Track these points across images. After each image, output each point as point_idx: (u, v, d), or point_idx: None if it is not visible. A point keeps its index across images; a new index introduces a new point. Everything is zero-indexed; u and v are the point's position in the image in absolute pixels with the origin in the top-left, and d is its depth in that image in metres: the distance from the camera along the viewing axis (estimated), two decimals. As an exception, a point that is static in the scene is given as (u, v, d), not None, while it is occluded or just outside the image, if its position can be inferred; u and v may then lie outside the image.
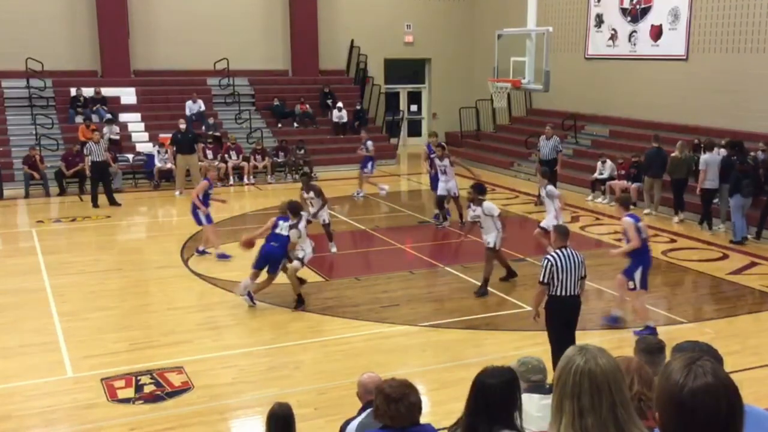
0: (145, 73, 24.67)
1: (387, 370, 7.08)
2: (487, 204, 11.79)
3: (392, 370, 7.53)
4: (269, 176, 21.85)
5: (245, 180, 21.49)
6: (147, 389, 8.36)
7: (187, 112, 23.16)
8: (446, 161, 15.93)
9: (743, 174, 14.77)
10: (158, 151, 21.30)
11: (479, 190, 11.88)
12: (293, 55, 26.68)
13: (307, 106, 25.05)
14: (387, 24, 27.54)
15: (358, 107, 25.49)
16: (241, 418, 8.09)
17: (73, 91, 22.99)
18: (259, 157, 21.91)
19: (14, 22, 23.07)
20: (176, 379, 8.59)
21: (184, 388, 8.39)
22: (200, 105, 23.51)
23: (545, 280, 8.16)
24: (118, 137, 21.86)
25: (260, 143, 22.39)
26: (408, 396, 4.40)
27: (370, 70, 27.20)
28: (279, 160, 22.30)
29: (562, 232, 8.58)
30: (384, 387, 4.48)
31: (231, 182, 21.35)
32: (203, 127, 22.65)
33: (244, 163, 21.69)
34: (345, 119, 25.00)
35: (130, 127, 22.92)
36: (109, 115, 22.44)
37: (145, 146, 22.05)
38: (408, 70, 29.13)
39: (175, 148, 20.39)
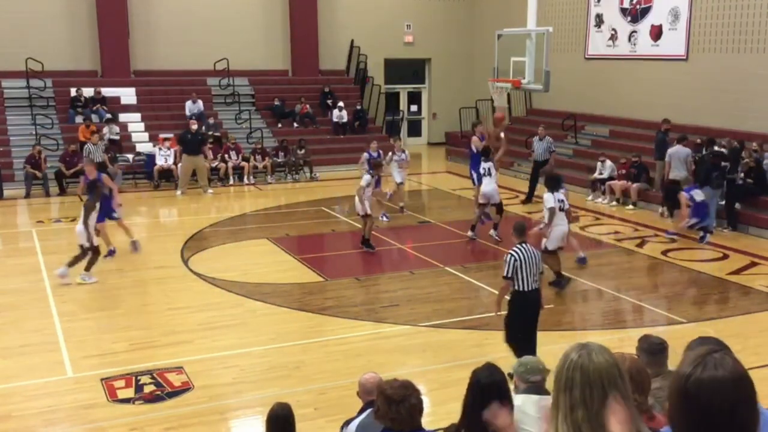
0: (145, 73, 24.66)
1: (387, 371, 7.08)
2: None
3: (392, 371, 7.54)
4: (269, 176, 21.83)
5: (245, 180, 21.48)
6: (147, 389, 8.36)
7: (187, 113, 23.15)
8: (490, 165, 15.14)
9: (713, 167, 15.32)
10: (159, 149, 21.29)
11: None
12: (293, 55, 26.67)
13: (308, 106, 25.05)
14: (387, 24, 27.55)
15: (358, 107, 25.48)
16: (241, 418, 8.09)
17: (73, 91, 22.98)
18: (259, 157, 21.90)
19: (14, 23, 23.07)
20: (176, 379, 8.58)
21: (184, 388, 8.39)
22: (200, 105, 23.50)
23: (509, 275, 8.30)
24: (118, 137, 21.84)
25: (260, 143, 22.38)
26: (409, 398, 4.40)
27: (370, 70, 27.20)
28: (279, 160, 22.29)
29: (520, 227, 8.71)
30: (385, 388, 4.48)
31: (231, 182, 21.34)
32: (203, 128, 22.64)
33: (244, 163, 21.68)
34: (345, 119, 25.00)
35: (130, 127, 22.91)
36: (109, 115, 22.43)
37: (145, 146, 22.04)
38: (408, 70, 29.13)
39: (181, 148, 20.42)
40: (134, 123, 23.13)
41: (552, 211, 11.69)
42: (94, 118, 22.36)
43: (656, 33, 20.87)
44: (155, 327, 10.44)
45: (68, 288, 11.98)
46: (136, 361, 9.05)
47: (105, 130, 21.53)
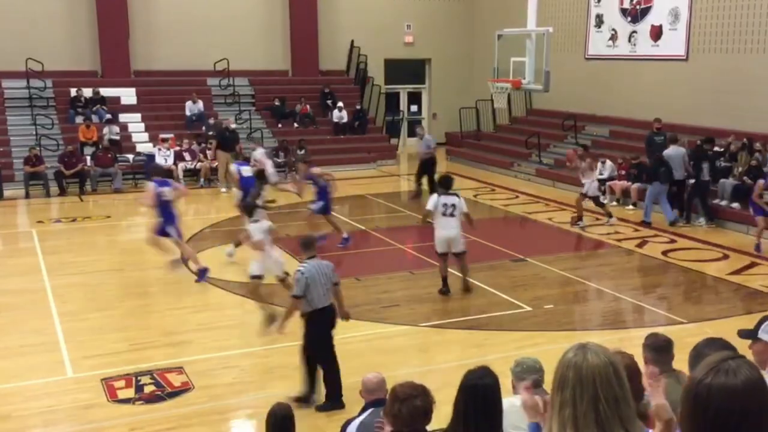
0: (145, 74, 24.66)
1: (388, 371, 7.06)
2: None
3: (393, 371, 7.54)
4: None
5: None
6: (147, 389, 8.36)
7: (187, 113, 23.17)
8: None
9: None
10: (159, 149, 21.30)
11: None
12: (293, 55, 26.68)
13: (308, 106, 25.05)
14: (387, 24, 27.55)
15: (358, 107, 25.48)
16: (242, 418, 8.10)
17: (73, 92, 22.99)
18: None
19: (14, 23, 23.06)
20: (176, 380, 8.59)
21: (185, 389, 8.39)
22: (200, 105, 23.51)
23: (300, 294, 7.72)
24: (118, 137, 21.86)
25: (260, 143, 22.36)
26: (413, 399, 4.37)
27: (370, 71, 27.20)
28: (279, 161, 22.28)
29: (307, 242, 8.15)
30: (396, 386, 4.48)
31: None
32: (203, 128, 22.65)
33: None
34: (345, 119, 25.00)
35: (130, 127, 22.91)
36: (109, 116, 22.44)
37: (145, 146, 22.04)
38: (408, 71, 29.13)
39: (218, 145, 20.63)
40: (134, 123, 23.13)
41: (428, 213, 11.46)
42: (95, 118, 22.37)
43: (656, 33, 20.88)
44: (155, 327, 10.44)
45: (68, 288, 11.98)
46: (136, 362, 9.05)
47: (105, 130, 21.54)
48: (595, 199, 16.29)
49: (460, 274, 11.60)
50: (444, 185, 11.45)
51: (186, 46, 24.77)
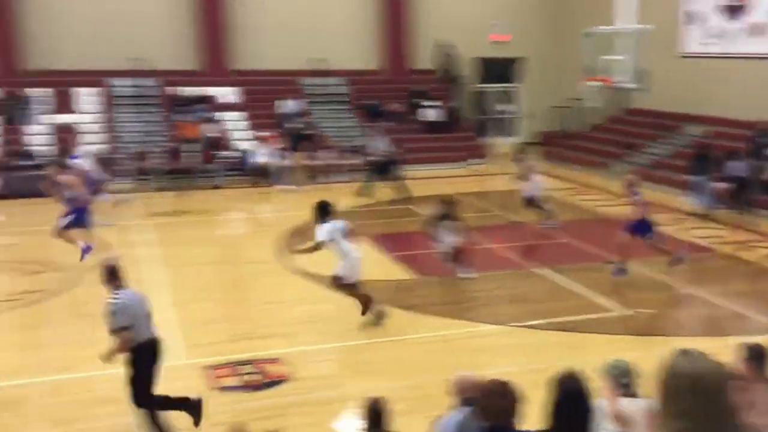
0: (244, 73, 25.27)
1: (478, 369, 7.12)
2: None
3: (483, 370, 7.57)
4: (359, 175, 22.06)
5: (336, 178, 21.76)
6: (248, 379, 8.64)
7: (283, 111, 23.65)
8: None
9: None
10: (259, 147, 21.83)
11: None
12: (385, 54, 26.88)
13: (399, 105, 25.20)
14: (478, 22, 27.41)
15: (449, 106, 25.48)
16: (337, 410, 8.25)
17: (176, 90, 23.78)
18: (350, 155, 22.15)
19: (122, 23, 24.02)
20: (275, 370, 8.83)
21: (282, 379, 8.62)
22: (296, 104, 23.96)
23: (125, 324, 6.84)
24: (217, 135, 22.51)
25: (353, 142, 22.64)
26: (503, 395, 4.43)
27: (461, 69, 27.15)
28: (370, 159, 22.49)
29: (111, 270, 7.12)
30: (487, 381, 4.54)
31: (322, 180, 21.66)
32: (297, 126, 23.12)
33: (336, 162, 21.98)
34: (436, 118, 25.05)
35: (230, 125, 23.55)
36: (209, 114, 23.13)
37: (243, 144, 22.62)
38: (499, 69, 28.93)
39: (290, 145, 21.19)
40: (233, 121, 23.77)
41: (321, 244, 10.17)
42: (195, 116, 23.09)
43: (755, 30, 20.13)
44: (256, 319, 10.75)
45: (175, 280, 12.43)
46: (238, 351, 9.35)
47: (206, 128, 22.23)
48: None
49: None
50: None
51: (284, 46, 25.28)
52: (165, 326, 10.14)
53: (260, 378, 8.68)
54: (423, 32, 27.02)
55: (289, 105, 23.89)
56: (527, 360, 9.22)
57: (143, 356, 6.98)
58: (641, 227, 12.06)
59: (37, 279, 12.44)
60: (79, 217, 13.21)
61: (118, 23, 23.98)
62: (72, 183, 13.27)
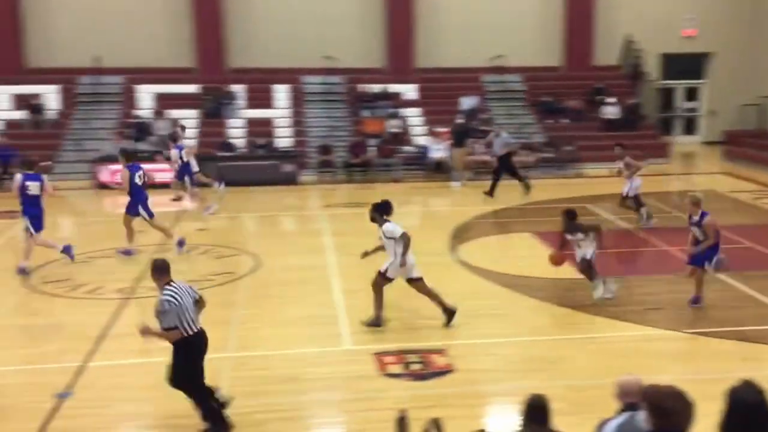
0: (427, 71, 25.51)
1: (647, 374, 6.78)
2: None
3: (652, 375, 7.19)
4: (536, 171, 21.69)
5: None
6: (413, 367, 8.71)
7: (462, 108, 23.66)
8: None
9: None
10: (434, 143, 22.01)
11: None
12: (566, 50, 26.22)
13: (578, 102, 24.50)
14: (666, 17, 26.09)
15: (631, 103, 24.45)
16: (498, 404, 8.16)
17: (362, 88, 24.42)
18: (527, 152, 21.81)
19: (314, 23, 24.98)
20: (440, 361, 8.85)
21: (446, 370, 8.62)
22: (475, 101, 23.90)
23: (173, 325, 6.76)
24: (399, 130, 22.89)
25: (528, 139, 22.30)
26: (674, 400, 4.19)
27: (645, 65, 25.97)
28: (547, 156, 22.05)
29: (162, 266, 6.99)
30: (657, 386, 4.31)
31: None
32: (475, 123, 23.04)
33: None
34: (616, 115, 24.12)
35: (411, 121, 23.88)
36: (392, 110, 23.56)
37: (421, 139, 22.88)
38: (686, 65, 27.39)
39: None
40: (414, 117, 24.08)
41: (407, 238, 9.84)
42: (379, 112, 23.61)
43: None
44: (423, 310, 10.80)
45: (350, 268, 12.76)
46: (404, 340, 9.45)
47: (388, 123, 22.67)
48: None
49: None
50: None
51: (465, 44, 25.31)
52: (334, 312, 10.52)
53: (425, 368, 8.74)
54: (606, 27, 26.09)
55: (466, 102, 23.88)
56: (698, 368, 8.69)
57: (189, 349, 6.97)
58: None
59: (227, 261, 13.20)
60: (132, 208, 13.46)
61: (311, 24, 24.96)
62: (124, 177, 13.61)
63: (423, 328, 9.98)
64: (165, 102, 23.34)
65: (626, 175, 15.60)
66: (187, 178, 17.28)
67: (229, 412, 7.36)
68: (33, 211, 12.41)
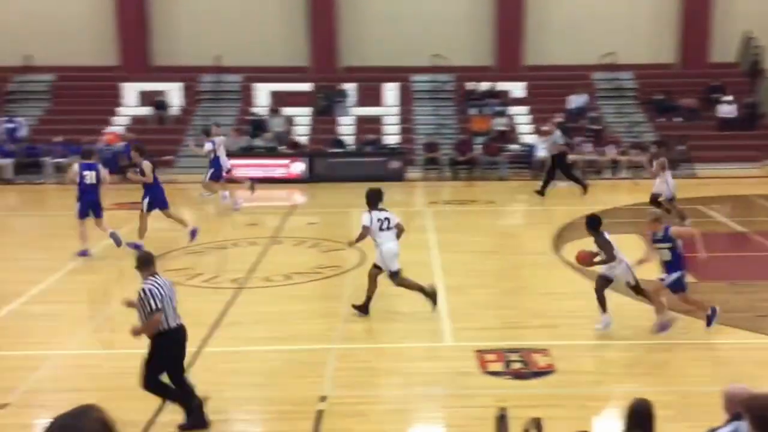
0: (535, 68, 25.15)
1: (757, 384, 6.51)
2: None
3: (761, 385, 6.90)
4: (646, 171, 21.02)
5: (621, 174, 20.94)
6: (514, 366, 8.64)
7: (570, 106, 23.19)
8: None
9: None
10: (540, 141, 21.67)
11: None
12: (681, 46, 25.24)
13: (693, 101, 23.58)
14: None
15: (749, 101, 23.32)
16: (601, 408, 7.99)
17: (470, 86, 24.32)
18: (637, 151, 21.17)
19: (423, 22, 25.05)
20: (541, 361, 8.74)
21: (548, 370, 8.51)
22: (583, 99, 23.38)
23: (159, 307, 6.79)
24: (506, 129, 22.68)
25: (640, 138, 21.64)
26: None
27: (765, 62, 24.70)
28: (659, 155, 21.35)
29: (145, 260, 7.07)
30: (758, 399, 4.15)
31: (607, 176, 20.95)
32: (583, 121, 22.55)
33: (621, 157, 21.14)
34: (733, 115, 23.06)
35: (518, 119, 23.60)
36: (499, 108, 23.36)
37: (528, 138, 22.57)
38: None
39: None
40: (521, 116, 23.79)
41: (366, 230, 10.00)
42: (487, 110, 23.45)
43: None
44: (526, 308, 10.72)
45: (453, 264, 12.78)
46: (506, 338, 9.39)
47: (495, 121, 22.50)
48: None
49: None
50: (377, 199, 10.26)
51: (574, 41, 24.78)
52: (438, 308, 10.52)
53: (526, 367, 8.66)
54: (723, 22, 24.96)
55: (575, 100, 23.39)
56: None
57: (166, 343, 7.00)
58: None
59: (334, 255, 13.45)
60: (153, 200, 13.61)
61: (421, 23, 25.05)
62: (147, 168, 13.71)
63: (525, 327, 9.90)
64: (280, 99, 23.95)
65: (658, 175, 15.09)
66: (213, 172, 17.47)
67: (333, 402, 7.53)
68: (90, 198, 13.09)
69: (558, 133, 19.10)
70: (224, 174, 17.59)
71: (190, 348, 8.88)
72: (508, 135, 22.64)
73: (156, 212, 13.68)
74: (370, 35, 25.36)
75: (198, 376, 8.28)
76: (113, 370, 8.48)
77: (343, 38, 25.54)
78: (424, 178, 21.08)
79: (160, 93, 24.48)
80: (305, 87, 24.55)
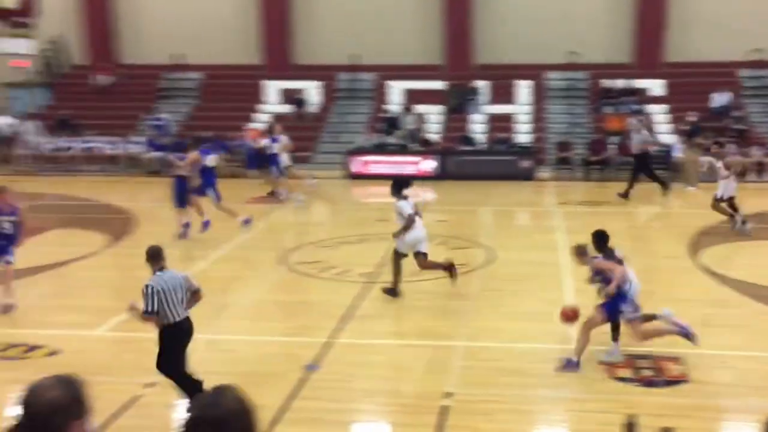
0: (676, 65, 24.08)
1: None
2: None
3: None
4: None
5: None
6: (644, 373, 8.34)
7: (713, 105, 22.06)
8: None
9: None
10: (678, 142, 20.80)
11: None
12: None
13: None
14: None
15: None
16: (737, 421, 7.59)
17: (606, 83, 23.60)
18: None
19: (559, 19, 24.52)
20: (673, 369, 8.38)
21: (680, 380, 8.15)
22: (727, 97, 22.17)
23: (154, 310, 6.88)
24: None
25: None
26: None
27: None
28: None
29: (154, 252, 7.17)
30: None
31: (752, 179, 19.77)
32: (727, 120, 21.39)
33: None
34: None
35: (656, 118, 22.69)
36: (636, 107, 22.55)
37: (666, 138, 21.66)
38: None
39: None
40: (660, 114, 22.86)
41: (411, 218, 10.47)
42: (622, 109, 22.69)
43: None
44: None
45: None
46: (636, 344, 9.07)
47: (631, 121, 21.72)
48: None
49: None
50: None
51: (719, 36, 23.48)
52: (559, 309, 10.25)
53: (657, 374, 8.34)
54: None
55: (718, 98, 22.22)
56: None
57: (169, 336, 7.13)
58: None
59: (462, 253, 13.41)
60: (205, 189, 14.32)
61: (557, 20, 24.54)
62: (193, 160, 14.23)
63: (657, 334, 9.49)
64: (413, 97, 24.10)
65: (722, 177, 14.18)
66: (274, 168, 17.81)
67: (459, 399, 7.52)
68: (211, 180, 14.26)
69: (645, 132, 18.42)
70: (284, 173, 18.02)
71: (323, 339, 9.17)
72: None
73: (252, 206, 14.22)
74: (505, 32, 25.08)
75: (328, 366, 8.52)
76: (250, 356, 8.86)
77: (477, 36, 25.39)
78: (555, 177, 20.65)
79: (299, 91, 25.21)
80: (438, 85, 24.60)
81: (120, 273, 13.15)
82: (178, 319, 7.08)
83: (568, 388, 8.08)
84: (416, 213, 10.61)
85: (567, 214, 16.55)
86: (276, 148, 17.86)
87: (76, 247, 13.62)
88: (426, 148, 21.88)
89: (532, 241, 14.45)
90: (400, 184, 10.80)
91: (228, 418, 2.60)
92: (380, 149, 21.87)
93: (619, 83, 23.36)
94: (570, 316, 8.68)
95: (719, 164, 14.51)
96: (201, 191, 14.31)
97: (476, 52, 25.47)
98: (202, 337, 9.57)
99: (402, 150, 21.91)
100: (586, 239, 14.48)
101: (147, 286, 6.92)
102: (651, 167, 18.22)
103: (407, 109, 23.51)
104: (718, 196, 14.36)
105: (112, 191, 19.73)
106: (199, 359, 8.93)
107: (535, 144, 22.01)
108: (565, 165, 21.07)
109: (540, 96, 24.12)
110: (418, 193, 18.41)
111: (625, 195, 17.67)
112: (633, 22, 24.41)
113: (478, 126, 23.28)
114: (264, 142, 18.45)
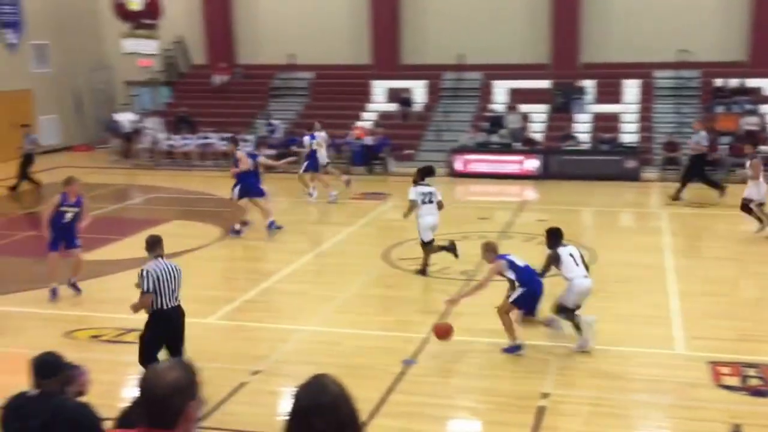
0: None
1: None
2: None
3: None
4: None
5: None
6: (751, 382, 8.00)
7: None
8: None
9: None
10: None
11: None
12: None
13: None
14: None
15: None
16: None
17: (718, 82, 22.61)
18: None
19: (670, 16, 23.62)
20: (783, 380, 8.02)
21: (790, 391, 7.78)
22: None
23: (150, 289, 7.23)
24: (756, 128, 20.81)
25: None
26: None
27: None
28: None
29: (153, 241, 7.57)
30: None
31: None
32: None
33: None
34: None
35: (769, 118, 21.57)
36: (750, 106, 21.50)
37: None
38: None
39: None
40: (773, 114, 21.71)
41: (413, 203, 11.44)
42: (735, 108, 21.67)
43: None
44: (765, 321, 9.84)
45: (687, 269, 12.03)
46: (743, 352, 8.70)
47: (743, 120, 20.74)
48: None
49: None
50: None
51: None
52: (668, 314, 9.95)
53: (766, 384, 7.97)
54: None
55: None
56: None
57: (155, 322, 7.35)
58: None
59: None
60: (244, 188, 14.26)
61: (667, 17, 23.67)
62: (241, 158, 14.35)
63: (764, 342, 9.09)
64: (518, 97, 23.78)
65: (750, 177, 13.55)
66: (307, 164, 17.66)
67: (555, 400, 7.42)
68: (250, 179, 14.35)
69: (703, 133, 17.47)
70: (320, 169, 17.82)
71: (422, 335, 9.22)
72: (758, 135, 20.71)
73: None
74: (613, 30, 24.38)
75: (426, 362, 8.58)
76: (351, 348, 9.02)
77: (585, 34, 24.78)
78: (661, 178, 19.89)
79: (405, 90, 25.31)
80: (544, 84, 24.16)
81: (231, 264, 13.64)
82: (166, 307, 7.35)
83: (669, 395, 7.86)
84: (428, 201, 11.40)
85: (673, 215, 15.96)
86: (314, 144, 18.01)
87: (192, 239, 14.19)
88: (529, 148, 21.56)
89: (636, 242, 14.03)
90: (422, 171, 11.75)
91: (339, 402, 2.71)
92: (483, 148, 21.70)
93: (733, 82, 22.30)
94: (441, 333, 8.67)
95: (747, 165, 14.10)
96: (259, 191, 14.56)
97: (583, 51, 24.87)
98: (308, 329, 9.84)
99: (505, 149, 21.67)
100: (692, 242, 14.03)
101: (144, 270, 7.33)
102: (704, 170, 17.44)
103: (511, 108, 23.23)
104: (746, 197, 13.89)
105: (226, 185, 20.40)
106: (303, 350, 9.19)
107: (641, 144, 21.30)
108: (673, 165, 20.26)
109: (648, 95, 23.31)
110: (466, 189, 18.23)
111: (676, 197, 17.10)
112: (748, 18, 23.22)
113: (582, 125, 22.74)
114: (305, 139, 18.61)
